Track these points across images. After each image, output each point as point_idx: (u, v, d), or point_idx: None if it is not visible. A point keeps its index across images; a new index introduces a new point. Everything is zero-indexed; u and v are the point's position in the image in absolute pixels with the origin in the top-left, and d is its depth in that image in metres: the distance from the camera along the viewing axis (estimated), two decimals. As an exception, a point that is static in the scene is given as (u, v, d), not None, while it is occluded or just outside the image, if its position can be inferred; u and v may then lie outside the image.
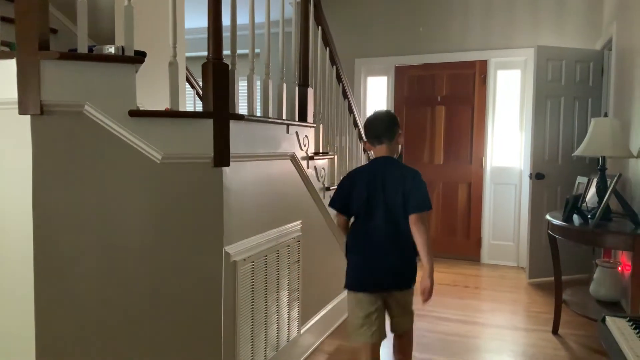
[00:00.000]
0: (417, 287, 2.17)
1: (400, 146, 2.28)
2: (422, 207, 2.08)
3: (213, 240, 1.97)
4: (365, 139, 2.34)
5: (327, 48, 3.31)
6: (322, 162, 3.05)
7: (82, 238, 1.87)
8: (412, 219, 2.07)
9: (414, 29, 5.21)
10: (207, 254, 1.97)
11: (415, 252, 2.14)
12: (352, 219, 2.24)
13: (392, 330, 2.28)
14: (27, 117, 1.78)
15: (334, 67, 3.44)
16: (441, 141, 5.26)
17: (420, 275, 2.15)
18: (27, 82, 1.76)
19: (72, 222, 1.86)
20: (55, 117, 1.80)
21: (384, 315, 2.18)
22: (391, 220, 2.12)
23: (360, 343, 2.14)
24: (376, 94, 5.52)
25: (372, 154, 2.46)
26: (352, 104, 3.76)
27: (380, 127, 2.22)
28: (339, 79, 3.54)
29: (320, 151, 3.10)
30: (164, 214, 1.93)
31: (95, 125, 1.83)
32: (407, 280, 2.21)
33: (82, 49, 1.83)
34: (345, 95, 3.66)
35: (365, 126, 2.29)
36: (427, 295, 2.12)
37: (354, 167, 3.80)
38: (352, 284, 2.18)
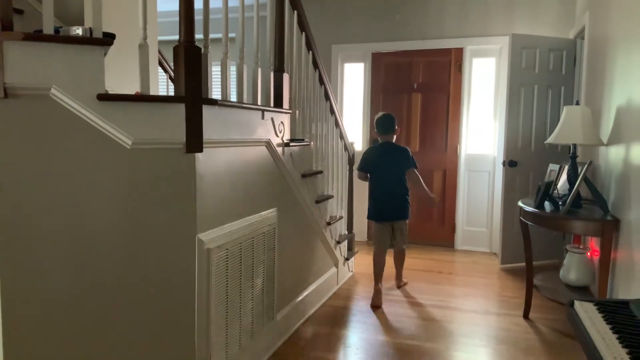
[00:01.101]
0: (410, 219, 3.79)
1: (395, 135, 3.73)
2: (415, 165, 3.67)
3: (186, 227, 1.94)
4: (375, 131, 3.75)
5: (303, 33, 3.27)
6: (298, 149, 3.03)
7: (50, 225, 1.83)
8: (413, 172, 3.66)
9: (391, 16, 5.19)
10: (180, 242, 1.94)
11: (407, 198, 3.67)
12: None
13: (392, 246, 3.76)
14: (-10, 101, 1.71)
15: (310, 52, 3.41)
16: (417, 128, 5.28)
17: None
18: (-11, 63, 1.69)
19: (39, 209, 1.81)
20: (20, 100, 1.74)
21: (389, 235, 3.70)
22: (393, 179, 3.63)
23: (375, 247, 3.70)
24: (353, 81, 5.50)
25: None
26: (329, 90, 3.73)
27: (387, 125, 3.68)
28: (316, 64, 3.51)
29: (297, 138, 3.08)
30: (134, 201, 1.89)
31: (62, 109, 1.77)
32: (402, 214, 3.68)
33: (48, 30, 1.76)
34: (321, 82, 3.63)
35: (377, 123, 3.71)
36: (434, 200, 3.83)
37: (330, 154, 3.82)
38: (371, 216, 3.74)
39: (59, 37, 1.78)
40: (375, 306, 3.47)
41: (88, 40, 1.80)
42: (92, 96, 1.78)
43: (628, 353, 1.20)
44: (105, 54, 1.84)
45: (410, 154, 3.67)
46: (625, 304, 1.53)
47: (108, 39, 1.82)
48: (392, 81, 5.33)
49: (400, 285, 3.93)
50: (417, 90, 5.24)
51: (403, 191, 3.65)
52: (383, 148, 3.69)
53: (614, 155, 2.94)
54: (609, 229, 2.66)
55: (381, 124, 3.69)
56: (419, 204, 5.29)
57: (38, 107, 1.76)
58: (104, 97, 1.80)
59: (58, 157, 1.81)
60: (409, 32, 5.15)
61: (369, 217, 3.77)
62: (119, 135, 1.83)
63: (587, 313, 1.47)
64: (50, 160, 1.80)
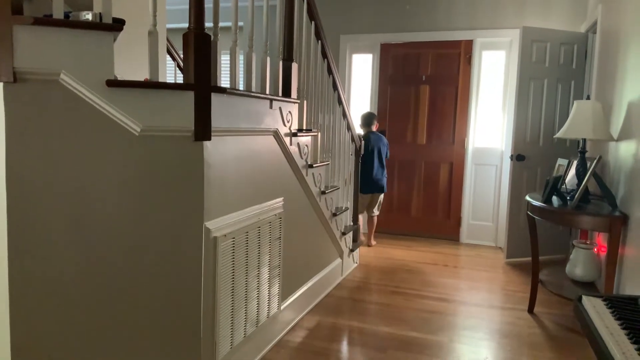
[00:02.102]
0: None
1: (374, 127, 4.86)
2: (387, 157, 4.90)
3: (193, 215, 1.94)
4: (360, 124, 4.83)
5: (313, 22, 3.25)
6: (305, 139, 3.02)
7: (57, 211, 1.83)
8: (387, 160, 4.87)
9: (400, 6, 5.15)
10: (187, 230, 1.94)
11: (385, 176, 4.82)
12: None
13: (368, 213, 4.86)
14: (0, 85, 1.71)
15: (319, 42, 3.38)
16: (424, 121, 5.25)
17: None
18: (-1, 47, 1.69)
19: (47, 194, 1.81)
20: (29, 85, 1.74)
21: (369, 203, 4.83)
22: (377, 160, 4.72)
23: (362, 213, 4.75)
24: (361, 72, 5.47)
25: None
26: (337, 80, 3.71)
27: (370, 119, 4.82)
28: (324, 54, 3.49)
29: (304, 128, 3.07)
30: (142, 188, 1.89)
31: (71, 94, 1.77)
32: (381, 189, 4.79)
33: (58, 14, 1.76)
34: (330, 72, 3.61)
35: (362, 117, 4.84)
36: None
37: (337, 145, 3.81)
38: (361, 189, 4.53)
39: (69, 22, 1.78)
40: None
41: (98, 25, 1.79)
42: (101, 82, 1.78)
43: (637, 349, 1.19)
44: (114, 40, 1.83)
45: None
46: (634, 299, 1.52)
47: (118, 25, 1.81)
48: (401, 72, 5.29)
49: (370, 245, 4.90)
50: (426, 82, 5.21)
51: (383, 169, 4.78)
52: (370, 136, 4.75)
53: (624, 150, 2.91)
54: (617, 224, 2.64)
55: (365, 118, 4.83)
56: (425, 194, 5.28)
57: (47, 92, 1.76)
58: (113, 83, 1.79)
59: (66, 142, 1.81)
60: (418, 24, 5.10)
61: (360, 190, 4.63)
62: (128, 121, 1.83)
63: (595, 308, 1.46)
64: (59, 145, 1.80)
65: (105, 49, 1.79)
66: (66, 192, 1.83)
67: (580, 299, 1.56)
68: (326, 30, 3.53)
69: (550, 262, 3.97)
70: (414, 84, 5.25)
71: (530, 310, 3.28)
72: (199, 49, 1.87)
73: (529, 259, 3.33)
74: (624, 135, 2.92)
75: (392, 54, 5.30)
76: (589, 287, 3.09)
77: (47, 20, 1.73)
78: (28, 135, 1.77)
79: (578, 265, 3.10)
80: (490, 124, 5.05)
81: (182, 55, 1.96)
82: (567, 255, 3.60)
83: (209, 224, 2.00)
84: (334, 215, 3.60)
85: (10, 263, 1.80)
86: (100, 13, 1.83)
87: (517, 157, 4.32)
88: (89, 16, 1.84)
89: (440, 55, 5.14)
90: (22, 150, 1.77)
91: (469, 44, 4.99)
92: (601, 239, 3.28)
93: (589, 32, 4.28)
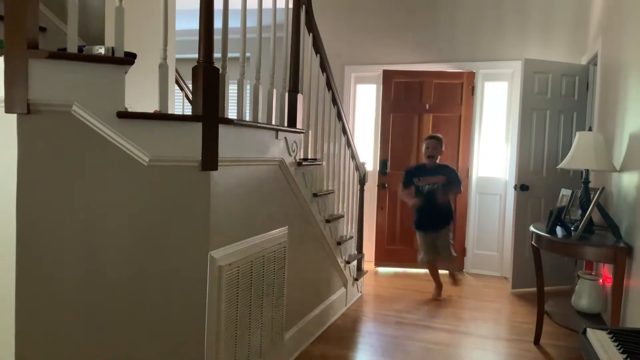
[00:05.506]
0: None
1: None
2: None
3: (199, 244, 1.96)
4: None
5: (318, 55, 3.32)
6: (310, 168, 3.05)
7: (66, 239, 1.85)
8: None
9: (404, 38, 5.25)
10: (192, 258, 1.96)
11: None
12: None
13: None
14: (14, 116, 1.76)
15: (324, 74, 3.45)
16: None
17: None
18: (14, 80, 1.74)
19: (57, 223, 1.84)
20: (43, 116, 1.78)
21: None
22: None
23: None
24: (365, 102, 5.55)
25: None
26: (342, 111, 3.77)
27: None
28: (329, 86, 3.55)
29: (309, 157, 3.10)
30: (149, 217, 1.92)
31: (82, 125, 1.81)
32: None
33: (72, 48, 1.81)
34: (334, 102, 3.67)
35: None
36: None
37: (342, 174, 3.83)
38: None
39: (82, 56, 1.83)
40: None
41: (110, 59, 1.85)
42: (112, 113, 1.82)
43: (642, 383, 1.19)
44: (126, 73, 1.88)
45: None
46: (638, 332, 1.51)
47: (130, 59, 1.86)
48: (404, 103, 5.34)
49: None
50: (429, 112, 5.26)
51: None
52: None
53: (627, 181, 2.92)
54: (622, 255, 2.63)
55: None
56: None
57: (60, 124, 1.80)
58: (124, 115, 1.83)
59: (77, 171, 1.84)
60: (422, 55, 5.19)
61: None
62: (137, 152, 1.86)
63: (600, 341, 1.46)
64: (69, 174, 1.84)
65: (116, 81, 1.84)
66: (76, 220, 1.85)
67: (584, 331, 1.55)
68: (331, 60, 3.60)
69: (556, 293, 3.93)
70: (417, 114, 5.30)
71: (536, 341, 3.25)
72: (207, 81, 1.92)
73: (535, 289, 3.31)
74: (627, 166, 2.94)
75: (395, 83, 5.35)
76: (595, 318, 3.06)
77: (61, 54, 1.79)
78: (40, 164, 1.81)
79: (583, 296, 3.07)
80: (493, 153, 5.08)
81: (190, 86, 2.01)
82: (572, 285, 3.57)
83: (214, 253, 2.01)
84: (339, 244, 3.60)
85: (18, 290, 1.81)
86: (112, 47, 1.88)
87: (521, 187, 4.33)
88: (101, 50, 1.90)
89: (444, 86, 5.20)
90: (34, 179, 1.81)
91: (472, 75, 5.07)
92: (606, 270, 3.26)
93: (590, 64, 4.35)
